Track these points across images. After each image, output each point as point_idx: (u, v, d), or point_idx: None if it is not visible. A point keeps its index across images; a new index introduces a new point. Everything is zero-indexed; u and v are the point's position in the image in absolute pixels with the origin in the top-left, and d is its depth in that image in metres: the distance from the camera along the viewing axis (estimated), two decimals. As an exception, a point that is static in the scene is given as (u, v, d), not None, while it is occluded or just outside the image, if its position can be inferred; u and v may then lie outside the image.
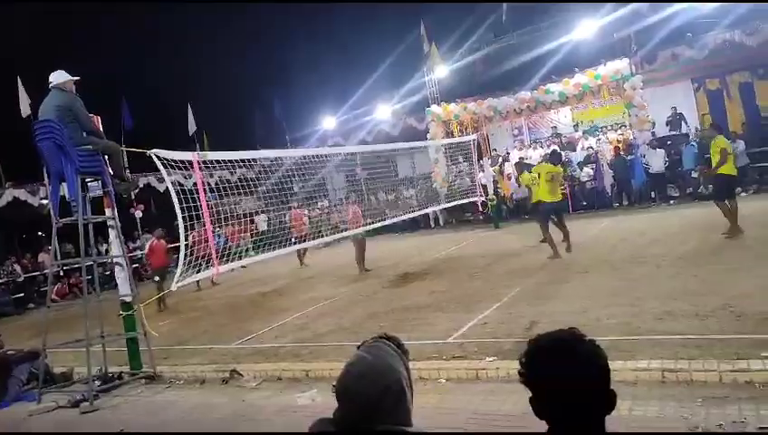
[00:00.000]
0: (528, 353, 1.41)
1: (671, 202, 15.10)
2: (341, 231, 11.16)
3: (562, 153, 18.02)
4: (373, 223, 11.96)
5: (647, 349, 4.68)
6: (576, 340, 1.38)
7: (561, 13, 20.28)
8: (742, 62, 16.26)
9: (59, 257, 10.29)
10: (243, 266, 12.59)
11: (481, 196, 16.19)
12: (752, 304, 5.47)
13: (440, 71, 20.72)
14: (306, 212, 13.60)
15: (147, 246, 12.54)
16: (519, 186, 12.80)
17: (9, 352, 7.11)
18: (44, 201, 18.11)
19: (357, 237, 11.47)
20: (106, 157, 6.86)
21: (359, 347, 1.59)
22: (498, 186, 17.73)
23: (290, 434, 4.14)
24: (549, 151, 12.66)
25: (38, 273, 17.72)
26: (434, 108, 20.04)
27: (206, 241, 7.41)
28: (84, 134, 6.65)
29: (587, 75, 16.91)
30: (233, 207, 10.69)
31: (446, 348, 5.81)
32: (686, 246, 8.91)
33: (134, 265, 16.08)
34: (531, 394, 1.39)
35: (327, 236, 10.93)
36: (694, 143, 15.64)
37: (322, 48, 28.54)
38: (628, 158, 16.24)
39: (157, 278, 11.95)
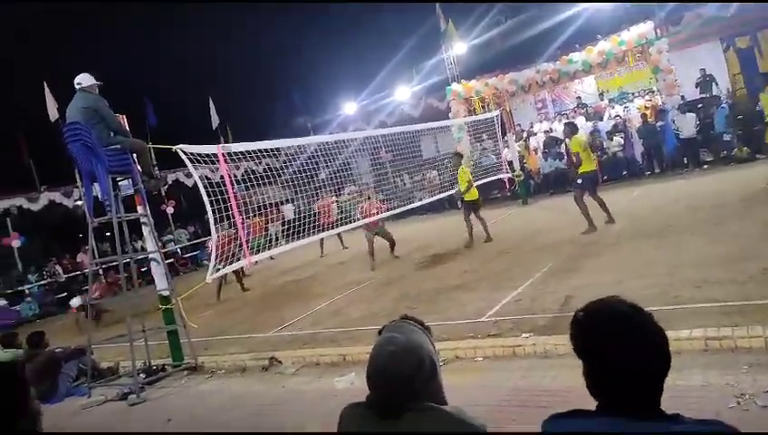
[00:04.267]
0: (580, 321, 1.37)
1: (704, 167, 14.69)
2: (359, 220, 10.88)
3: (583, 122, 17.76)
4: (398, 208, 11.87)
5: (687, 318, 4.59)
6: (626, 306, 1.34)
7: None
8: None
9: (97, 256, 10.58)
10: (271, 258, 12.74)
11: (507, 172, 16.01)
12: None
13: (459, 48, 20.44)
14: (335, 198, 13.64)
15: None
16: (567, 152, 12.21)
17: (57, 350, 7.37)
18: (79, 202, 18.60)
19: (372, 235, 11.08)
20: (134, 155, 7.00)
21: (380, 331, 1.60)
22: (525, 161, 17.49)
23: (324, 434, 4.18)
24: (565, 125, 12.34)
25: (78, 272, 18.24)
26: (454, 86, 19.80)
27: (237, 233, 7.52)
28: (112, 134, 6.78)
29: (610, 42, 16.48)
30: (260, 197, 10.82)
31: (481, 327, 5.80)
32: (720, 210, 8.68)
33: (169, 260, 16.42)
34: (582, 366, 1.35)
35: (354, 222, 10.83)
36: (725, 105, 15.15)
37: (340, 34, 28.39)
38: (658, 124, 15.79)
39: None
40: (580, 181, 9.67)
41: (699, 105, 15.79)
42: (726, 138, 14.63)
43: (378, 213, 11.04)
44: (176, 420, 5.32)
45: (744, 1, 14.76)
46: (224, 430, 4.82)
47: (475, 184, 11.25)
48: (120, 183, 7.06)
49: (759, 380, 3.56)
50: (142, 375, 6.70)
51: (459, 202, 11.92)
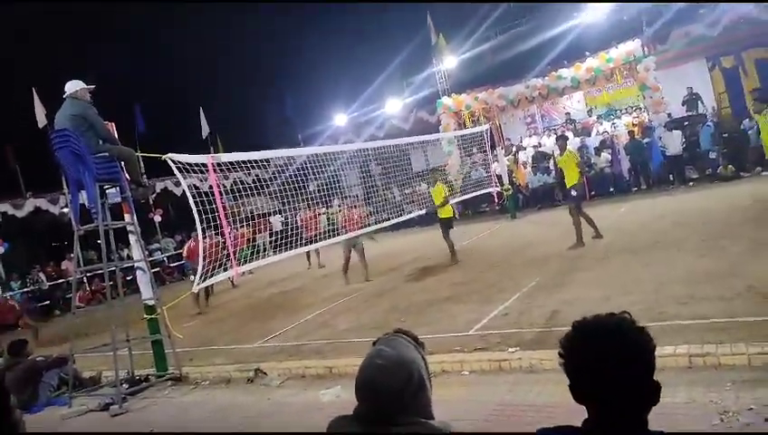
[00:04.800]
0: (571, 336, 1.36)
1: (690, 184, 14.87)
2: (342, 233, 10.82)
3: (571, 138, 17.95)
4: (385, 221, 11.88)
5: (672, 335, 4.62)
6: (620, 321, 1.33)
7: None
8: (757, 37, 15.89)
9: (82, 264, 10.48)
10: (250, 272, 12.66)
11: (496, 186, 16.11)
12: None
13: (449, 61, 20.62)
14: (324, 210, 13.63)
15: (185, 247, 12.69)
16: (555, 166, 12.26)
17: (38, 359, 7.25)
18: (65, 210, 18.42)
19: (348, 246, 10.89)
20: (122, 163, 6.95)
21: (374, 343, 1.60)
22: (513, 175, 17.61)
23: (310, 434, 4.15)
24: (558, 137, 12.42)
25: (62, 280, 18.01)
26: (444, 99, 19.94)
27: (224, 243, 7.48)
28: (100, 141, 6.73)
29: (599, 58, 16.71)
30: (249, 208, 10.77)
31: (468, 340, 5.80)
32: (706, 227, 8.77)
33: (155, 269, 16.26)
34: (570, 381, 1.34)
35: (337, 236, 10.77)
36: (711, 123, 15.37)
37: (331, 45, 28.54)
38: (645, 141, 15.99)
39: (193, 277, 12.06)
40: (574, 193, 9.73)
41: (685, 123, 16.01)
42: (712, 155, 14.83)
43: (359, 220, 11.02)
44: (159, 432, 5.24)
45: (745, 1, 14.95)
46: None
47: (463, 197, 11.27)
48: (107, 191, 7.01)
49: (742, 397, 3.58)
50: (125, 385, 6.60)
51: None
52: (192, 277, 11.72)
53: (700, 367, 4.14)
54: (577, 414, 1.36)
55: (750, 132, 14.25)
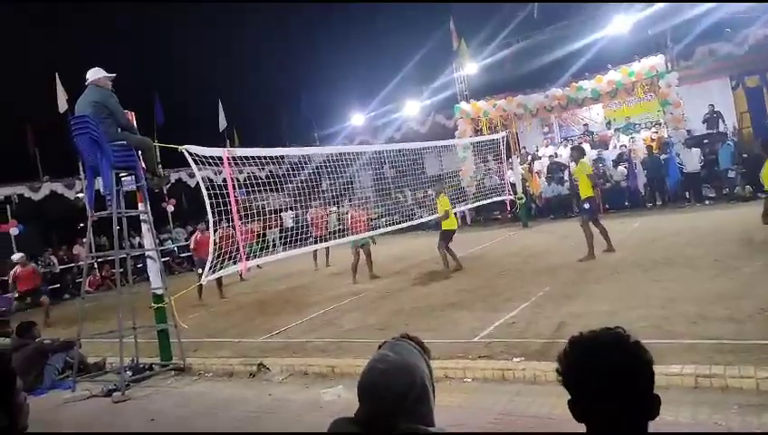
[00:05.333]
0: (569, 351, 1.36)
1: (706, 202, 14.69)
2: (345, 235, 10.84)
3: (588, 150, 17.84)
4: (395, 223, 11.89)
5: (679, 353, 4.56)
6: (621, 339, 1.33)
7: (593, 9, 19.89)
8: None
9: (93, 250, 10.59)
10: (258, 266, 12.72)
11: (510, 194, 16.04)
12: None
13: (470, 67, 20.54)
14: (335, 209, 13.64)
15: (192, 239, 12.76)
16: (570, 177, 12.06)
17: (46, 341, 7.33)
18: (80, 195, 18.62)
19: (356, 246, 11.00)
20: (139, 152, 7.01)
21: (380, 347, 1.59)
22: (527, 184, 17.52)
23: (310, 434, 4.15)
24: (572, 148, 12.34)
25: (73, 264, 18.19)
26: (462, 105, 19.89)
27: (234, 236, 7.51)
28: (119, 130, 6.80)
29: (620, 72, 16.56)
30: (261, 202, 10.82)
31: (473, 347, 5.77)
32: (721, 247, 8.66)
33: (165, 259, 16.40)
34: (569, 396, 1.34)
35: (343, 237, 10.79)
36: (730, 142, 15.18)
37: (351, 45, 28.61)
38: (663, 157, 15.84)
39: (200, 270, 12.12)
40: (587, 206, 9.67)
41: (705, 141, 15.84)
42: (730, 175, 14.64)
43: (367, 221, 11.05)
44: (158, 421, 5.27)
45: (757, 1, 14.75)
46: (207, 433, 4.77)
47: (476, 203, 11.21)
48: (122, 179, 7.08)
49: (748, 421, 3.53)
50: (129, 373, 6.64)
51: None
52: (200, 271, 11.82)
53: (706, 388, 4.07)
54: (577, 426, 1.35)
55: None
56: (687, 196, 15.32)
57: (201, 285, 8.95)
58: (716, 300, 5.94)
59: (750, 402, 3.76)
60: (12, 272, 12.12)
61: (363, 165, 14.72)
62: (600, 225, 9.64)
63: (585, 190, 9.65)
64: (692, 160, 15.08)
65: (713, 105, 16.63)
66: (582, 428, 1.34)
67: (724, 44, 16.04)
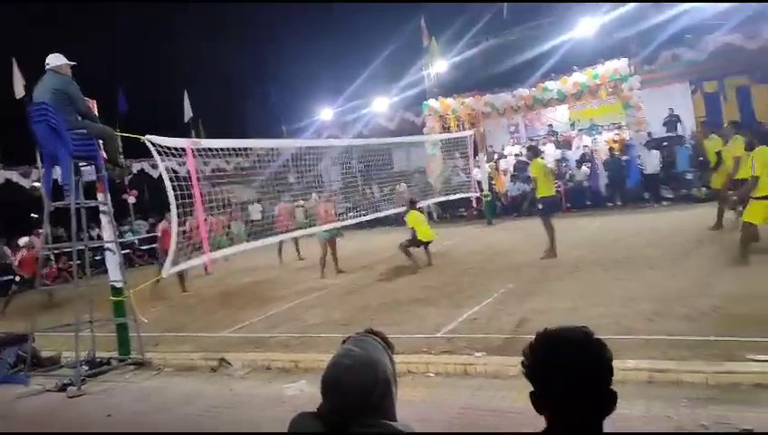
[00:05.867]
0: (536, 345, 1.40)
1: (664, 203, 15.14)
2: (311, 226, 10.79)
3: (552, 150, 18.25)
4: (362, 217, 11.92)
5: (636, 349, 4.70)
6: (586, 337, 1.38)
7: (562, 9, 20.25)
8: (740, 65, 16.27)
9: (50, 241, 10.26)
10: (225, 259, 12.60)
11: (476, 192, 16.22)
12: (741, 305, 5.51)
13: (439, 65, 20.64)
14: (302, 203, 13.55)
15: (159, 229, 12.48)
16: (525, 175, 12.39)
17: (-2, 335, 7.08)
18: (37, 184, 18.00)
19: (323, 238, 11.00)
20: (100, 141, 6.82)
21: (344, 341, 1.59)
22: (493, 182, 17.74)
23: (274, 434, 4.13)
24: (528, 147, 12.56)
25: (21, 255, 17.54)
26: (431, 102, 19.98)
27: (198, 228, 7.39)
28: (79, 118, 6.60)
29: (585, 74, 16.88)
30: (227, 195, 10.68)
31: (436, 342, 5.83)
32: (678, 248, 8.94)
33: (125, 251, 15.98)
34: (532, 388, 1.38)
35: (312, 228, 10.75)
36: (688, 145, 15.67)
37: (320, 38, 28.39)
38: (624, 158, 16.26)
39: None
40: (541, 206, 9.85)
41: (664, 143, 16.31)
42: (688, 177, 15.13)
43: (334, 214, 11.04)
44: (116, 416, 5.15)
45: (741, 0, 15.22)
46: (164, 431, 4.68)
47: (442, 199, 11.22)
48: (82, 168, 6.88)
49: (697, 414, 3.66)
50: (85, 367, 6.47)
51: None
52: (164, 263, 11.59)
53: (660, 382, 4.21)
54: (538, 421, 1.38)
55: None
56: (647, 196, 15.76)
57: (161, 278, 8.76)
58: (673, 298, 6.13)
59: (699, 396, 3.91)
60: (18, 255, 12.29)
61: (332, 159, 14.67)
62: (549, 226, 9.77)
63: (541, 190, 9.80)
64: (652, 162, 15.53)
65: (672, 109, 17.16)
66: (542, 418, 1.37)
67: (686, 50, 16.51)
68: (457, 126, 19.40)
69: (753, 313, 5.25)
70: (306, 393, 4.97)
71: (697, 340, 4.78)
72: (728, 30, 15.64)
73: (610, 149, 16.95)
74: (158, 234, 12.38)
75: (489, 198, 16.52)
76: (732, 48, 15.65)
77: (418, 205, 11.54)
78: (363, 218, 11.74)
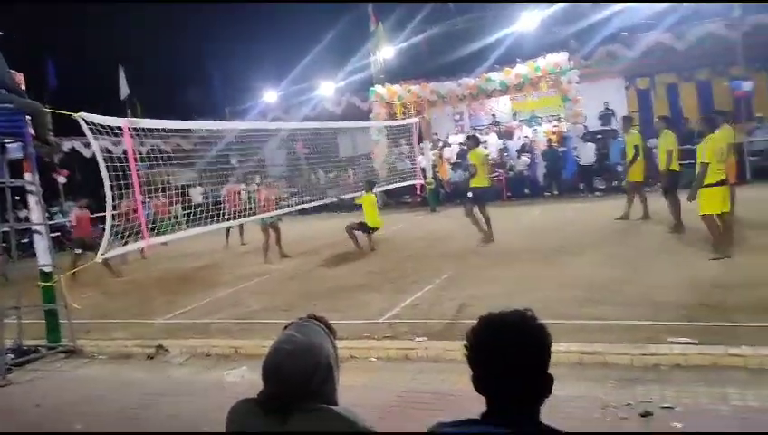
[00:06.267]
0: (477, 328, 1.41)
1: (597, 193, 15.82)
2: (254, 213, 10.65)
3: (494, 139, 18.69)
4: (310, 202, 11.84)
5: (567, 333, 4.92)
6: (525, 318, 1.40)
7: (504, 3, 20.65)
8: (670, 64, 17.15)
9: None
10: (164, 243, 12.29)
11: (420, 179, 16.40)
12: (667, 292, 5.86)
13: (386, 51, 20.62)
14: (244, 187, 13.29)
15: (72, 216, 11.98)
16: (467, 163, 12.64)
17: None
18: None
19: (264, 223, 10.90)
20: (28, 117, 6.43)
21: (286, 327, 1.59)
22: (437, 170, 17.97)
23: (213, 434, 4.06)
24: (467, 136, 12.81)
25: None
26: (378, 88, 19.96)
27: (135, 212, 7.14)
28: (3, 91, 6.20)
29: (527, 66, 17.31)
30: (166, 178, 10.32)
31: (378, 328, 5.90)
32: (609, 235, 9.39)
33: (55, 234, 15.22)
34: (473, 372, 1.40)
35: (253, 215, 10.57)
36: (621, 138, 16.40)
37: (265, 19, 27.69)
38: (561, 149, 16.85)
39: (78, 250, 11.35)
40: (470, 195, 10.09)
41: (599, 136, 17.00)
42: (619, 169, 15.83)
43: (275, 199, 10.92)
44: (45, 406, 4.94)
45: (752, 1, 15.83)
46: (97, 420, 4.53)
47: (387, 187, 11.32)
48: (8, 145, 6.48)
49: (622, 393, 3.90)
50: (10, 356, 6.15)
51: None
52: (77, 251, 11.14)
53: (589, 364, 4.45)
54: (476, 402, 1.42)
55: (654, 150, 15.32)
56: (581, 187, 16.42)
57: (94, 261, 8.41)
58: (604, 285, 6.45)
59: (623, 377, 4.16)
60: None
61: (276, 142, 14.41)
62: (472, 216, 10.02)
63: (475, 180, 10.01)
64: (587, 154, 16.17)
65: (607, 103, 17.93)
66: (480, 400, 1.42)
67: (621, 48, 17.21)
68: (403, 113, 19.50)
69: (676, 299, 5.61)
70: (247, 380, 4.93)
71: (624, 324, 5.08)
72: (661, 30, 16.44)
73: (549, 141, 17.53)
74: (72, 221, 11.94)
75: (432, 186, 16.75)
76: (663, 47, 16.50)
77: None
78: (308, 205, 11.64)
